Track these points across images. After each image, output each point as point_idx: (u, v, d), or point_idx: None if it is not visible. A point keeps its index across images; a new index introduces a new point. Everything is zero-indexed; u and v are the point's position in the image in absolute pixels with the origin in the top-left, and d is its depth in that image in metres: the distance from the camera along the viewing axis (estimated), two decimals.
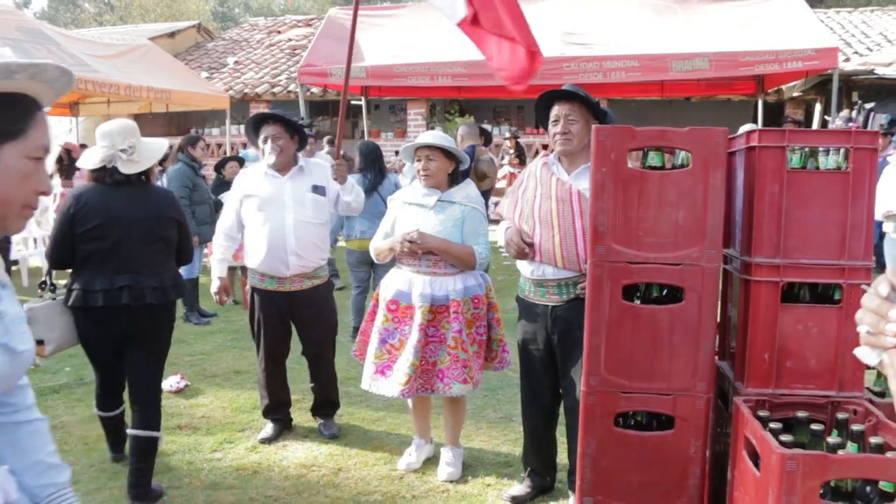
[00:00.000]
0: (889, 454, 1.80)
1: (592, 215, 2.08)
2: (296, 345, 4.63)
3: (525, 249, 3.42)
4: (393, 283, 3.86)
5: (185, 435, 4.64)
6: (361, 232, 6.44)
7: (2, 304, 1.31)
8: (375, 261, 4.08)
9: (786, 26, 8.86)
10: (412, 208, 3.89)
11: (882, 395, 2.37)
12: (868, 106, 10.89)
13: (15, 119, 1.29)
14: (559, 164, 3.47)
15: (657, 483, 2.16)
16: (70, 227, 3.55)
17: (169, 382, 5.49)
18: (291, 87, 14.50)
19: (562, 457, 3.78)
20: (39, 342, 3.62)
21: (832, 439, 1.91)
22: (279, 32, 18.38)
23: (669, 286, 2.18)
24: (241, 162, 8.23)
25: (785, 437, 1.85)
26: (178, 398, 5.29)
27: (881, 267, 6.04)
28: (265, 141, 4.34)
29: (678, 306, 2.12)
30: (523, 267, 3.54)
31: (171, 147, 12.05)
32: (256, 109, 14.84)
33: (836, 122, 8.93)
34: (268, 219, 4.28)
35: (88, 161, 3.64)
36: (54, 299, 3.72)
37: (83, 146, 11.63)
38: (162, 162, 11.70)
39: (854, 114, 10.60)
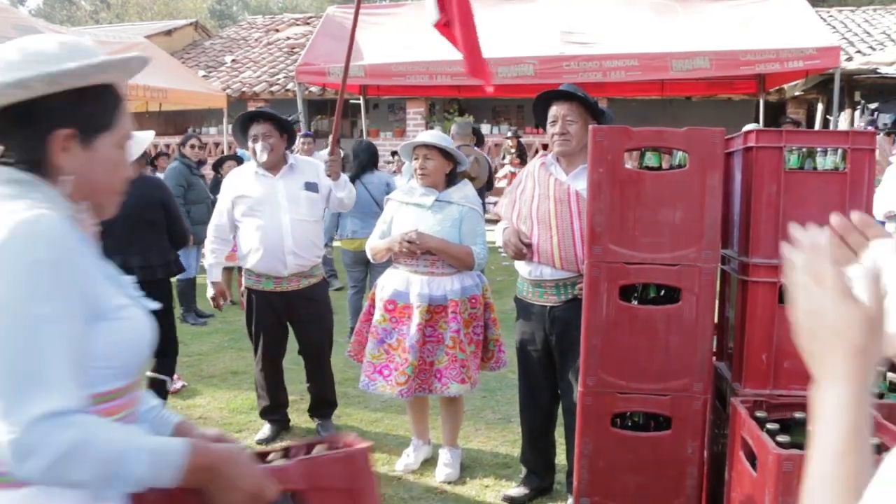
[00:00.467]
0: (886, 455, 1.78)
1: (589, 215, 2.07)
2: (292, 345, 4.61)
3: (523, 250, 3.41)
4: (390, 282, 3.85)
5: None
6: (353, 231, 6.41)
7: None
8: (372, 260, 4.07)
9: (787, 25, 8.83)
10: (409, 208, 3.88)
11: (881, 396, 2.36)
12: (872, 106, 10.87)
13: (108, 111, 1.37)
14: (557, 165, 3.46)
15: (654, 484, 2.15)
16: None
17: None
18: (290, 86, 14.48)
19: (560, 458, 3.77)
20: None
21: None
22: (277, 31, 18.36)
23: (666, 287, 2.17)
24: (238, 161, 8.20)
25: (782, 438, 1.84)
26: (175, 399, 5.27)
27: None
28: (255, 140, 4.31)
29: (675, 307, 2.11)
30: (521, 267, 3.53)
31: (169, 147, 12.09)
32: (254, 108, 14.85)
33: (858, 123, 8.90)
34: (263, 219, 4.26)
35: None
36: None
37: None
38: (153, 161, 11.72)
39: (858, 114, 10.58)
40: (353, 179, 6.39)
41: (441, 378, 3.73)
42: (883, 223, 6.54)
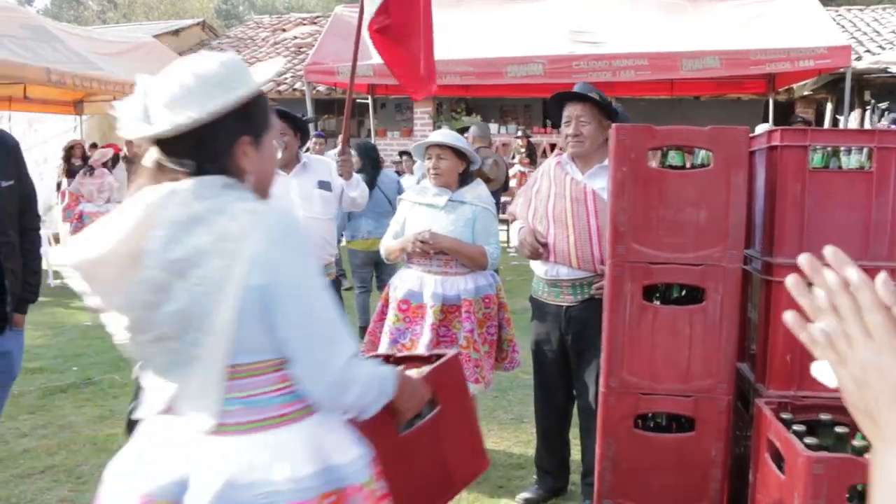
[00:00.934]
0: None
1: (613, 215, 2.05)
2: None
3: (539, 249, 3.39)
4: (404, 282, 3.83)
5: None
6: (368, 232, 6.41)
7: None
8: (385, 261, 4.05)
9: (797, 24, 8.80)
10: (422, 208, 3.86)
11: None
12: (882, 105, 10.82)
13: (267, 114, 1.65)
14: (573, 164, 3.45)
15: (678, 486, 2.13)
16: None
17: None
18: (297, 86, 14.46)
19: (575, 458, 3.75)
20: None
21: (857, 442, 1.88)
22: (284, 31, 18.35)
23: (689, 286, 2.15)
24: None
25: (810, 440, 1.82)
26: None
27: None
28: None
29: (699, 307, 2.09)
30: (537, 267, 3.51)
31: None
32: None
33: (882, 122, 8.84)
34: None
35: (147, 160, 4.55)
36: None
37: (94, 146, 11.65)
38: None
39: (869, 113, 10.53)
40: (370, 181, 6.40)
41: None
42: None
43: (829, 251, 0.82)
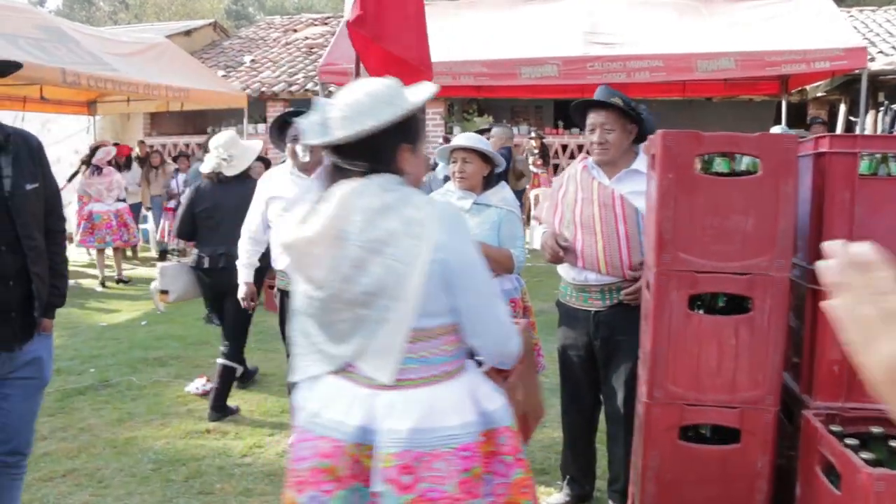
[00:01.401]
0: None
1: (658, 222, 2.01)
2: None
3: (560, 253, 3.35)
4: None
5: (214, 439, 4.60)
6: None
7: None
8: None
9: (812, 25, 8.74)
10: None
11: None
12: (895, 107, 10.75)
13: (422, 126, 2.03)
14: (599, 168, 3.40)
15: (722, 498, 2.09)
16: (191, 210, 5.07)
17: (195, 385, 5.46)
18: (309, 86, 14.44)
19: (600, 464, 3.72)
20: (164, 291, 5.20)
21: None
22: (295, 31, 18.34)
23: (733, 295, 2.11)
24: (266, 163, 8.19)
25: (865, 455, 1.78)
26: (205, 401, 5.24)
27: None
28: (294, 140, 4.28)
29: (746, 317, 2.05)
30: (565, 272, 3.47)
31: (189, 146, 12.03)
32: (274, 108, 14.80)
33: None
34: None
35: (205, 167, 5.15)
36: (180, 261, 5.54)
37: (116, 145, 11.62)
38: (176, 159, 11.68)
39: (881, 115, 10.46)
40: None
41: None
42: None
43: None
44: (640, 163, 3.32)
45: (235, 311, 4.94)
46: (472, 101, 14.32)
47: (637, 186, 3.26)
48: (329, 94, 11.39)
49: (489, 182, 3.90)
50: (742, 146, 2.04)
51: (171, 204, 10.65)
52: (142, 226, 12.06)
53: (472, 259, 1.91)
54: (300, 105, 13.82)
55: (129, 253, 11.55)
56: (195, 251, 5.09)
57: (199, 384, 5.45)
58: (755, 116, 13.87)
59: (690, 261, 2.02)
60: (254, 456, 4.34)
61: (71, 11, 34.09)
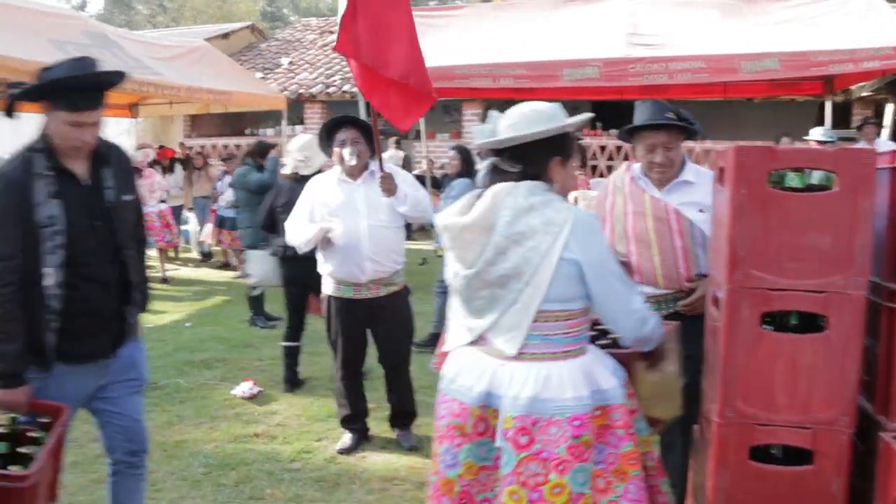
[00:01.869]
0: None
1: (730, 239, 1.98)
2: (370, 350, 4.58)
3: None
4: None
5: (262, 443, 4.63)
6: None
7: None
8: None
9: (861, 23, 8.55)
10: None
11: None
12: None
13: (574, 145, 2.43)
14: (646, 179, 3.34)
15: None
16: (272, 205, 5.73)
17: (241, 389, 5.50)
18: (346, 88, 14.50)
19: None
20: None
21: None
22: (331, 32, 18.40)
23: (805, 313, 2.06)
24: None
25: None
26: (252, 405, 5.29)
27: None
28: (343, 144, 4.29)
29: (821, 335, 2.01)
30: None
31: (227, 147, 12.14)
32: (311, 110, 14.89)
33: None
34: (342, 225, 4.23)
35: (286, 168, 5.93)
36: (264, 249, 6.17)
37: (161, 148, 11.76)
38: (226, 160, 11.75)
39: None
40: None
41: None
42: None
43: None
44: (689, 173, 3.29)
45: (299, 297, 5.74)
46: (510, 102, 14.24)
47: (687, 197, 3.22)
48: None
49: None
50: (818, 161, 1.99)
51: (214, 206, 10.75)
52: (182, 227, 12.19)
53: (601, 260, 2.22)
54: (338, 107, 13.86)
55: (171, 254, 11.67)
56: (277, 241, 5.52)
57: (245, 388, 5.49)
58: (797, 117, 13.64)
59: (764, 278, 1.98)
60: (302, 461, 4.36)
61: (111, 15, 34.60)
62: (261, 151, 7.91)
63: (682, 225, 3.16)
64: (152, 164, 11.02)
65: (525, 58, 8.63)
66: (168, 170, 12.14)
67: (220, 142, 15.46)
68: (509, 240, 2.23)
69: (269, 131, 15.33)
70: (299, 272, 5.33)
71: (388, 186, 4.21)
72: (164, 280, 10.30)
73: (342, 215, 4.23)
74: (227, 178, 10.17)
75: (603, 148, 13.96)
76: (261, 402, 5.36)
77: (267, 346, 6.85)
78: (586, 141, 13.75)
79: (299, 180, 5.41)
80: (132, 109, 13.12)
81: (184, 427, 4.88)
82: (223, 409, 5.24)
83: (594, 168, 13.69)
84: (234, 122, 16.01)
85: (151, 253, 10.40)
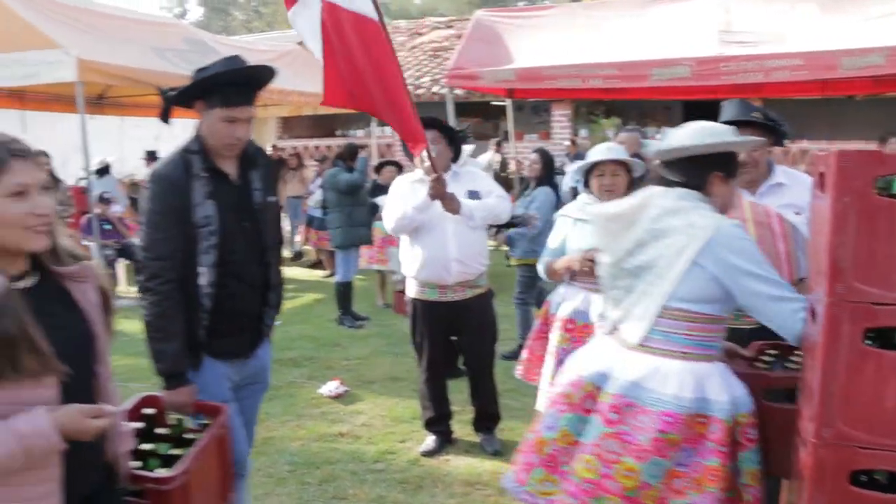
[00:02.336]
0: None
1: (832, 249, 1.87)
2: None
3: None
4: (568, 301, 3.72)
5: (347, 443, 4.68)
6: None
7: None
8: (545, 279, 3.93)
9: None
10: (586, 225, 3.72)
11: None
12: None
13: (737, 163, 2.54)
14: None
15: None
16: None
17: (328, 387, 5.58)
18: (435, 89, 14.56)
19: None
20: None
21: None
22: (420, 34, 18.52)
23: None
24: (399, 167, 8.29)
25: None
26: (338, 404, 5.36)
27: None
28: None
29: None
30: None
31: (318, 148, 12.40)
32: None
33: None
34: (427, 227, 4.23)
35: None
36: None
37: (274, 147, 12.09)
38: (321, 161, 11.95)
39: None
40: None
41: None
42: None
43: None
44: (779, 175, 3.23)
45: None
46: (599, 102, 14.03)
47: (782, 200, 3.14)
48: (454, 97, 11.44)
49: (627, 192, 3.79)
50: None
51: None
52: None
53: (738, 266, 2.24)
54: (427, 108, 13.89)
55: None
56: None
57: (331, 387, 5.57)
58: None
59: (868, 292, 1.86)
60: (386, 462, 4.39)
61: (209, 21, 35.80)
62: (350, 153, 8.01)
63: (784, 228, 3.04)
64: None
65: (614, 58, 8.49)
66: None
67: (312, 143, 15.75)
68: (650, 234, 2.36)
69: (359, 133, 15.54)
70: None
71: (451, 207, 4.14)
72: None
73: (428, 217, 4.23)
74: (318, 180, 10.36)
75: None
76: (346, 402, 5.42)
77: (354, 345, 6.94)
78: None
79: None
80: None
81: (271, 424, 4.98)
82: (310, 407, 5.33)
83: None
84: (325, 124, 16.28)
85: None
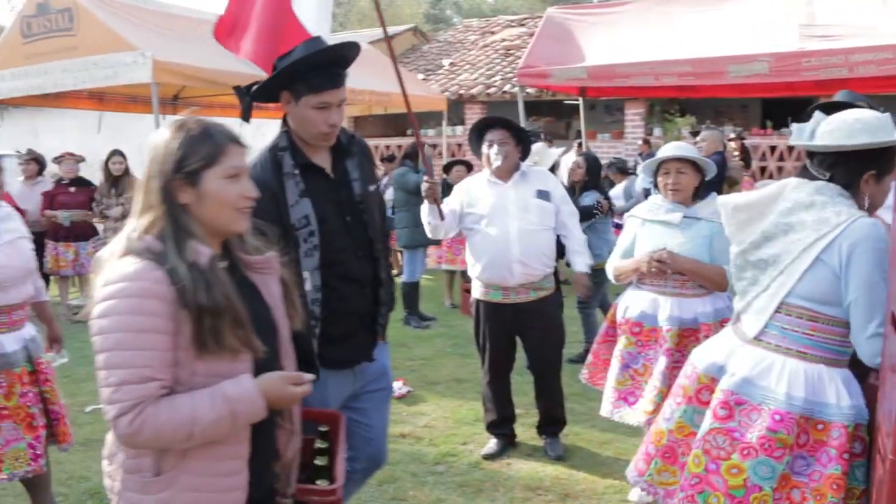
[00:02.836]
0: None
1: None
2: (519, 355, 4.49)
3: None
4: (635, 304, 3.60)
5: (408, 444, 4.65)
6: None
7: None
8: (614, 282, 3.82)
9: None
10: (655, 226, 3.61)
11: None
12: None
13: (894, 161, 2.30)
14: None
15: None
16: None
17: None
18: (507, 88, 14.47)
19: None
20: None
21: None
22: (492, 33, 18.45)
23: None
24: (468, 166, 8.21)
25: None
26: (401, 404, 5.33)
27: None
28: (490, 145, 4.23)
29: None
30: None
31: (389, 148, 12.41)
32: (471, 111, 14.96)
33: None
34: (491, 227, 4.17)
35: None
36: None
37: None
38: (389, 160, 12.03)
39: None
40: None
41: None
42: None
43: None
44: None
45: None
46: (674, 101, 13.72)
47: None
48: (526, 96, 11.32)
49: (698, 193, 3.66)
50: None
51: None
52: None
53: (859, 273, 2.12)
54: (498, 107, 13.85)
55: None
56: None
57: (395, 387, 5.55)
58: None
59: None
60: (446, 464, 4.34)
61: None
62: (416, 153, 7.99)
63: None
64: None
65: (689, 54, 8.26)
66: None
67: (383, 142, 15.84)
68: (779, 228, 2.30)
69: (430, 132, 15.55)
70: None
71: (434, 195, 4.11)
72: None
73: (493, 217, 4.18)
74: (385, 179, 10.39)
75: (773, 148, 13.14)
76: (410, 403, 5.40)
77: (419, 346, 6.91)
78: (755, 141, 13.02)
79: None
80: None
81: None
82: None
83: (763, 169, 12.92)
84: (397, 124, 16.36)
85: None
